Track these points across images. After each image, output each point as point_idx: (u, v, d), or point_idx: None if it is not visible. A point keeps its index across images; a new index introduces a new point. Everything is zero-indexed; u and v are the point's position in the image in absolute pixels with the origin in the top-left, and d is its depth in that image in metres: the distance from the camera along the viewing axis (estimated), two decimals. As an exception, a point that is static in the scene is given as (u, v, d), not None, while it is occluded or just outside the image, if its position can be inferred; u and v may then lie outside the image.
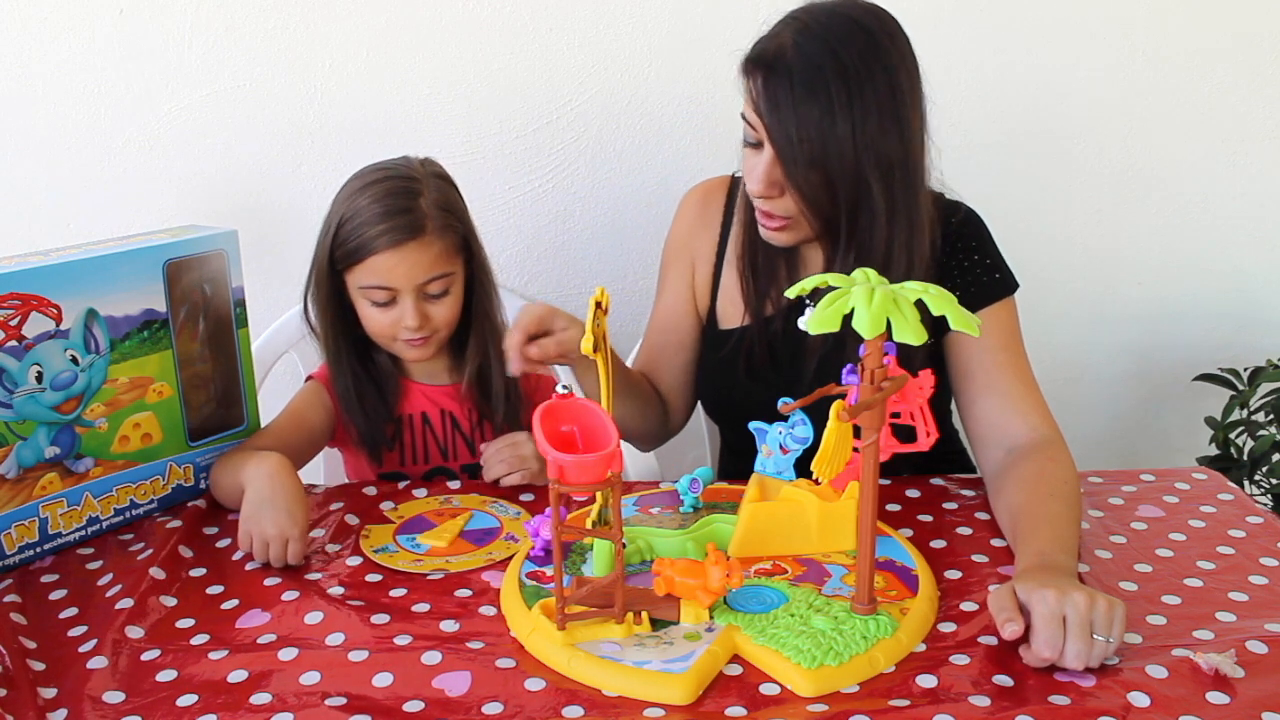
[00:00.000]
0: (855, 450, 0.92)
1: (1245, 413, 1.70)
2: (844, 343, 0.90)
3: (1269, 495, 1.66)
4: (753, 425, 1.06)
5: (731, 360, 1.25)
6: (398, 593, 1.00)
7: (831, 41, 1.07)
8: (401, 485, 1.23)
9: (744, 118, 1.14)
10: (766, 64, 1.09)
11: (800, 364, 1.20)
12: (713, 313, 1.32)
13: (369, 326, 1.28)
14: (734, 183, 1.34)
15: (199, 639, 0.93)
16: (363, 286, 1.24)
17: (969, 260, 1.22)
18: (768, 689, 0.85)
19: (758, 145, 1.13)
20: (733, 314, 1.29)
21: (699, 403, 1.39)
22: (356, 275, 1.24)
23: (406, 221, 1.22)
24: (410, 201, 1.23)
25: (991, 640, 0.89)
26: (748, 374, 1.23)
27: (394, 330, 1.26)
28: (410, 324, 1.24)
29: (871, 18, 1.10)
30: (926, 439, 0.95)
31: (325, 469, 1.54)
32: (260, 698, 0.84)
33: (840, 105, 1.06)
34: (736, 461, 1.36)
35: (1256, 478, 1.66)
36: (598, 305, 0.92)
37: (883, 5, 1.14)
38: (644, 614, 0.91)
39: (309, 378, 1.35)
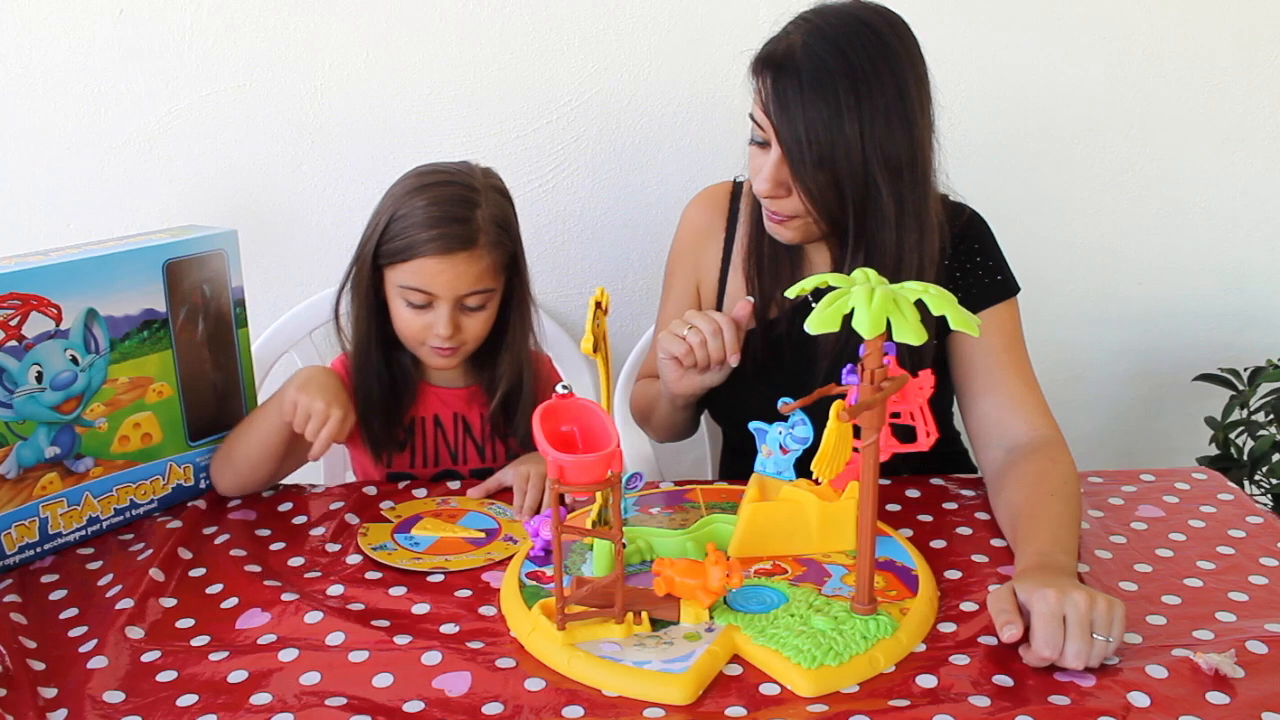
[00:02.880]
0: (855, 450, 0.92)
1: (1245, 413, 1.70)
2: (849, 343, 0.90)
3: (1269, 495, 1.66)
4: (753, 425, 1.06)
5: (740, 363, 1.25)
6: (397, 592, 1.00)
7: (841, 42, 1.07)
8: (402, 485, 1.23)
9: (752, 117, 1.14)
10: (775, 64, 1.09)
11: (806, 365, 1.20)
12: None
13: (399, 326, 1.26)
14: (736, 188, 1.34)
15: (199, 639, 0.93)
16: (402, 286, 1.21)
17: (971, 262, 1.22)
18: (768, 689, 0.85)
19: (764, 144, 1.13)
20: None
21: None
22: (398, 274, 1.22)
23: (460, 231, 1.19)
24: (467, 211, 1.21)
25: (991, 640, 0.90)
26: (754, 375, 1.23)
27: (424, 335, 1.24)
28: (442, 332, 1.21)
29: (882, 20, 1.10)
30: (926, 439, 0.95)
31: (326, 469, 1.55)
32: (260, 698, 0.84)
33: (848, 106, 1.06)
34: (737, 461, 1.36)
35: (1256, 478, 1.66)
36: (598, 305, 0.92)
37: (887, 5, 1.14)
38: (644, 614, 0.91)
39: None
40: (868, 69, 1.07)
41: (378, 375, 1.28)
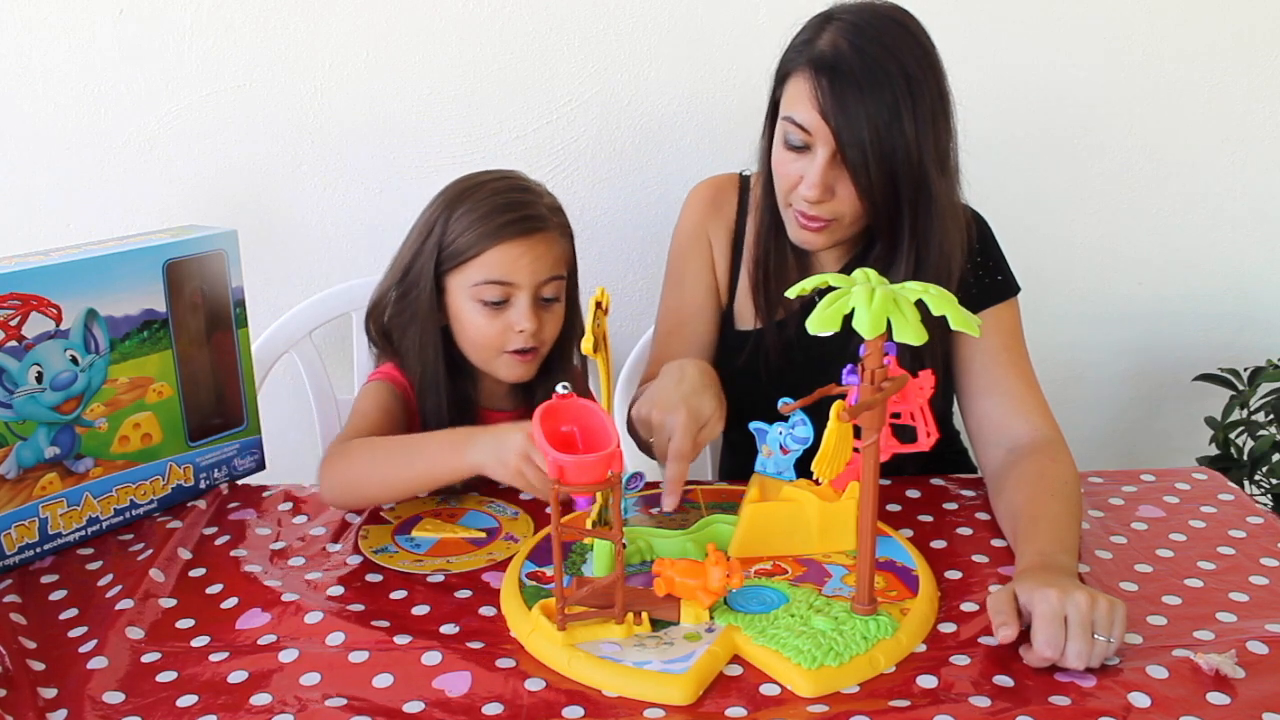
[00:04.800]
0: (855, 450, 0.92)
1: (1245, 413, 1.70)
2: (851, 344, 0.91)
3: (1269, 495, 1.66)
4: (753, 425, 1.06)
5: (750, 364, 1.25)
6: (398, 594, 1.00)
7: (888, 43, 1.08)
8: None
9: (792, 120, 1.12)
10: (829, 66, 1.08)
11: (813, 366, 1.20)
12: (729, 311, 1.31)
13: (473, 337, 1.20)
14: (743, 181, 1.33)
15: (199, 640, 0.93)
16: (477, 284, 1.16)
17: (972, 262, 1.22)
18: (768, 689, 0.85)
19: (803, 148, 1.12)
20: (748, 315, 1.28)
21: None
22: (468, 273, 1.17)
23: (531, 213, 1.17)
24: (530, 197, 1.19)
25: (992, 641, 0.89)
26: (766, 379, 1.23)
27: (503, 338, 1.18)
28: (527, 326, 1.16)
29: (910, 20, 1.12)
30: (927, 439, 0.95)
31: (325, 469, 1.55)
32: (260, 698, 0.84)
33: (905, 106, 1.06)
34: (737, 460, 1.36)
35: (1256, 478, 1.66)
36: (598, 305, 0.92)
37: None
38: (644, 614, 0.91)
39: (371, 379, 1.25)
40: (915, 70, 1.07)
41: (447, 403, 1.22)
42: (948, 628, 0.93)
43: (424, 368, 1.22)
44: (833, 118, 1.08)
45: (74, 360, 1.08)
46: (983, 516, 1.13)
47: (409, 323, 1.22)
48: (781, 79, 1.14)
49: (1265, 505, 1.38)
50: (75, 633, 0.95)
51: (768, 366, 1.23)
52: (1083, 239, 1.77)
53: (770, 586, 0.97)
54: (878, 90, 1.06)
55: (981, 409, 1.20)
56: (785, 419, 1.04)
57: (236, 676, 0.87)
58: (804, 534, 1.02)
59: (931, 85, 1.09)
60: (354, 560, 1.06)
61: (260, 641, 0.92)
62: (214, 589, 1.01)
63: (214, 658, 0.90)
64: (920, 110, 1.07)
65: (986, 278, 1.22)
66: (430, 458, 1.07)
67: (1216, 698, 0.82)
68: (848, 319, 0.84)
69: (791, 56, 1.13)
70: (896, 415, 0.94)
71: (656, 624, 0.91)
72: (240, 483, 1.25)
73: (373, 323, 1.26)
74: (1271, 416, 1.67)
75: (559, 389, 0.91)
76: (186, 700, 0.84)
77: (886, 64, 1.06)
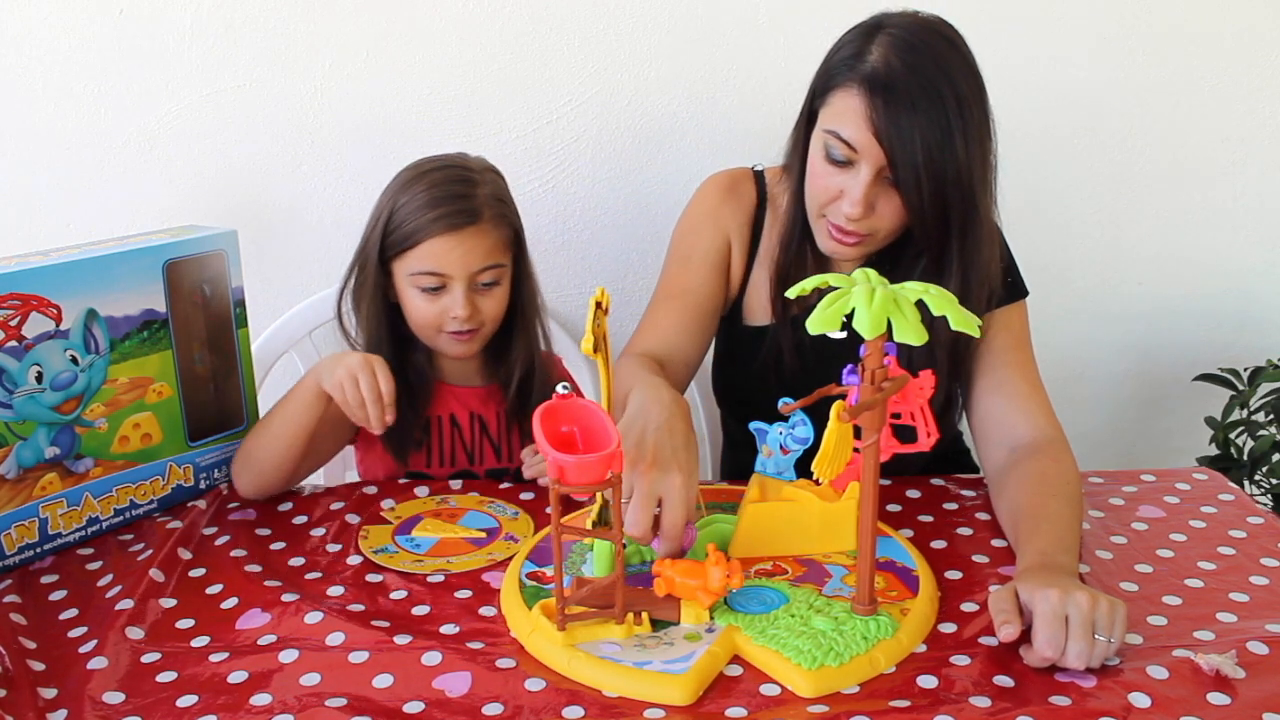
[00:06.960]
0: (856, 451, 0.92)
1: (1245, 413, 1.70)
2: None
3: (1269, 495, 1.66)
4: (753, 425, 1.06)
5: (765, 362, 1.24)
6: (398, 594, 1.00)
7: (939, 61, 1.06)
8: (402, 481, 1.23)
9: (837, 136, 1.09)
10: (883, 84, 1.06)
11: (828, 365, 1.20)
12: (739, 305, 1.31)
13: (414, 318, 1.26)
14: (757, 176, 1.31)
15: (199, 640, 0.93)
16: (413, 273, 1.22)
17: None
18: (768, 690, 0.85)
19: (846, 164, 1.10)
20: (760, 311, 1.28)
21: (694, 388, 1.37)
22: (407, 262, 1.23)
23: (464, 207, 1.22)
24: (468, 189, 1.23)
25: (992, 641, 0.90)
26: (776, 377, 1.23)
27: (440, 321, 1.24)
28: (460, 313, 1.22)
29: (957, 36, 1.10)
30: (927, 439, 0.95)
31: (325, 469, 1.54)
32: (260, 699, 0.84)
33: (956, 127, 1.05)
34: (738, 455, 1.36)
35: (1256, 478, 1.66)
36: (598, 305, 0.92)
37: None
38: (644, 614, 0.91)
39: None
40: (965, 90, 1.07)
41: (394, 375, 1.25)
42: (948, 628, 0.93)
43: (367, 345, 1.27)
44: (886, 137, 1.06)
45: (74, 360, 1.08)
46: (983, 516, 1.13)
47: (360, 301, 1.28)
48: (823, 91, 1.12)
49: (1265, 505, 1.38)
50: (75, 633, 0.95)
51: (779, 364, 1.23)
52: (1083, 238, 1.77)
53: (770, 587, 0.97)
54: (931, 110, 1.04)
55: (985, 408, 1.20)
56: (786, 419, 1.04)
57: (236, 676, 0.87)
58: (804, 534, 1.02)
59: (980, 105, 1.08)
60: (354, 560, 1.06)
61: (260, 641, 0.92)
62: (214, 589, 1.01)
63: (214, 658, 0.90)
64: (970, 130, 1.06)
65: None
66: (290, 395, 1.17)
67: (1217, 698, 0.82)
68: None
69: (837, 69, 1.10)
70: (896, 415, 0.94)
71: (656, 624, 0.91)
72: (240, 483, 1.25)
73: (341, 307, 1.30)
74: (1271, 416, 1.67)
75: (559, 389, 0.91)
76: (186, 700, 0.84)
77: (939, 84, 1.05)
